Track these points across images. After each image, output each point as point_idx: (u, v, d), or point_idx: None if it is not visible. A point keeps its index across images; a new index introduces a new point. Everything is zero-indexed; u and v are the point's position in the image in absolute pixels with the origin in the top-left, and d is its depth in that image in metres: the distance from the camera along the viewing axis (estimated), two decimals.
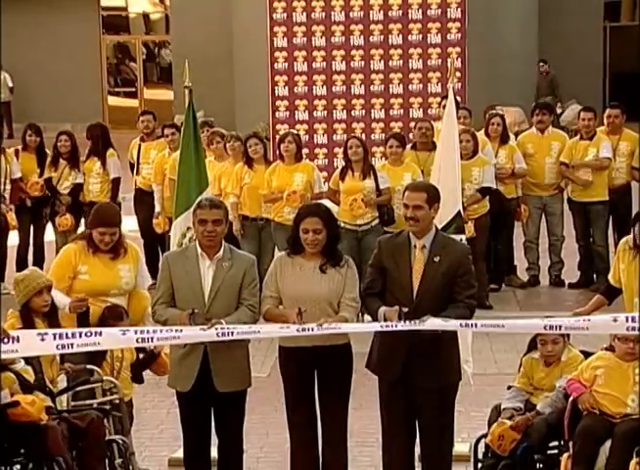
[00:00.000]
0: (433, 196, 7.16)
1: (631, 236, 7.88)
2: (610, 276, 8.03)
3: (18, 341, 7.01)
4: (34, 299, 7.64)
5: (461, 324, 6.89)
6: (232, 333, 6.87)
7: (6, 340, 6.95)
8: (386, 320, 6.88)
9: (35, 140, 14.13)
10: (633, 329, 6.88)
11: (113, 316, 7.77)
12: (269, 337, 7.14)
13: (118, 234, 7.97)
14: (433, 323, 6.78)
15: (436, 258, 7.03)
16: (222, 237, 7.27)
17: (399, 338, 6.99)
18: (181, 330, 6.92)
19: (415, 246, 7.10)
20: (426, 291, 7.00)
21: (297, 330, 6.83)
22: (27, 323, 7.51)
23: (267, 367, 8.98)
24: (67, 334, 7.05)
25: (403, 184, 12.07)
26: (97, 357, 7.71)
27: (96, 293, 7.86)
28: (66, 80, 30.71)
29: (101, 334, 7.05)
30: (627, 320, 6.92)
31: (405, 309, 6.82)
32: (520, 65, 27.25)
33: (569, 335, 7.82)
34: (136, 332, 7.10)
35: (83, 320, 7.74)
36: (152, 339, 7.05)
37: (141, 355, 7.86)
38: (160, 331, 7.03)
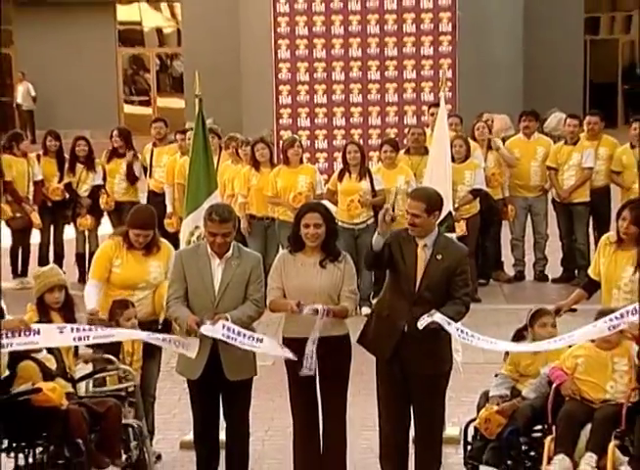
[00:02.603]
0: (432, 205, 7.14)
1: (613, 232, 7.88)
2: (590, 270, 8.03)
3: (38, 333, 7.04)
4: (46, 295, 7.65)
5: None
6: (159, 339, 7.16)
7: (27, 332, 6.96)
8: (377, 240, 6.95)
9: (55, 145, 14.16)
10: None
11: (119, 306, 7.78)
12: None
13: (152, 235, 8.01)
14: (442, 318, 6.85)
15: (439, 256, 7.05)
16: (231, 242, 7.26)
17: (396, 320, 7.03)
18: (116, 328, 7.05)
19: (418, 244, 7.12)
20: (427, 284, 7.02)
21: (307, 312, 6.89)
22: (43, 316, 7.53)
23: (272, 357, 8.98)
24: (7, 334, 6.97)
25: (397, 186, 12.19)
26: (113, 349, 7.73)
27: (125, 285, 7.93)
28: (84, 90, 30.70)
29: (39, 332, 7.00)
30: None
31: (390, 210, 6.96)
32: (506, 75, 27.29)
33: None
34: (72, 330, 7.08)
35: None
36: (88, 337, 7.04)
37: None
38: (97, 329, 7.09)
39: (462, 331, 7.05)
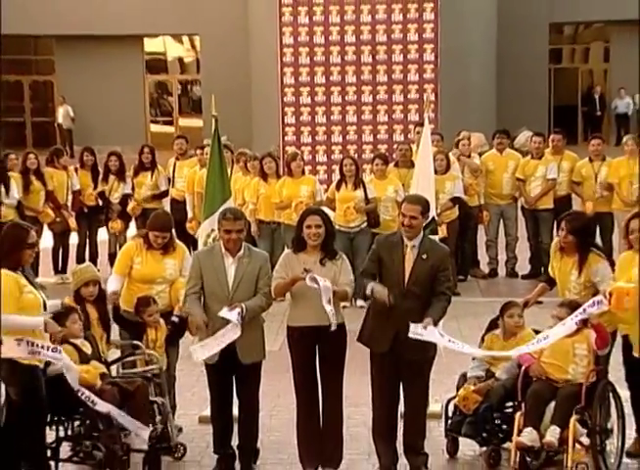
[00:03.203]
0: (426, 208, 7.18)
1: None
2: (549, 270, 8.01)
3: None
4: (82, 288, 7.67)
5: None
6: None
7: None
8: (373, 294, 6.91)
9: (90, 160, 14.19)
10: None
11: (142, 304, 7.80)
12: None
13: (169, 236, 8.05)
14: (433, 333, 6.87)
15: (424, 256, 7.02)
16: (243, 240, 7.27)
17: (389, 317, 6.99)
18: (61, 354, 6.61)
19: (407, 245, 7.09)
20: (415, 280, 6.98)
21: (309, 279, 6.84)
22: (80, 307, 7.56)
23: (278, 343, 8.97)
24: None
25: (387, 195, 12.20)
26: (138, 338, 7.73)
27: (145, 279, 7.96)
28: (116, 111, 30.72)
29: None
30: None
31: (391, 299, 6.85)
32: (481, 98, 27.29)
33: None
34: (28, 344, 6.53)
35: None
36: (39, 353, 6.56)
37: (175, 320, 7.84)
38: (47, 349, 6.58)
39: (453, 342, 7.03)
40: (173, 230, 8.33)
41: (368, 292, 6.99)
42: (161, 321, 7.84)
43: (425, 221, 7.23)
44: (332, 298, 6.90)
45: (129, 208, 13.90)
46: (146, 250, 8.00)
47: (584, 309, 6.96)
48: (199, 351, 7.11)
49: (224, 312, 6.93)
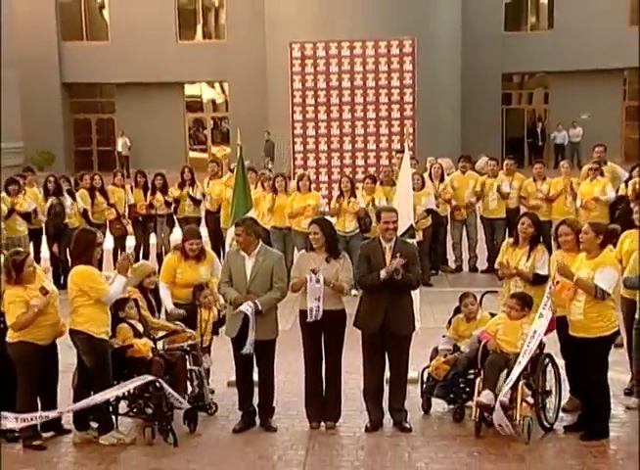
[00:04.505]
0: (397, 215, 7.21)
1: (511, 239, 7.79)
2: (497, 262, 7.91)
3: None
4: (145, 279, 7.64)
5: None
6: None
7: None
8: (387, 272, 6.87)
9: (142, 180, 14.18)
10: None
11: (197, 289, 7.74)
12: None
13: (201, 244, 7.98)
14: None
15: (398, 254, 6.99)
16: (249, 242, 7.16)
17: (378, 303, 6.97)
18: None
19: (385, 247, 7.08)
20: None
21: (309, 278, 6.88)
22: (144, 297, 7.58)
23: (290, 323, 8.93)
24: None
25: (376, 205, 12.16)
26: (191, 318, 7.67)
27: (186, 284, 7.83)
28: (162, 142, 30.78)
29: None
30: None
31: (403, 260, 6.87)
32: (449, 131, 27.37)
33: (481, 303, 7.82)
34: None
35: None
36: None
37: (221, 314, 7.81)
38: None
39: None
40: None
41: (382, 275, 6.89)
42: (213, 308, 7.78)
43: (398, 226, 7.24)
44: (321, 297, 6.87)
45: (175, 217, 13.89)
46: (184, 261, 7.90)
47: (547, 297, 6.87)
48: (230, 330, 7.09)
49: (242, 307, 6.92)
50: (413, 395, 7.53)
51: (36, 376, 6.79)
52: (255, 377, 7.39)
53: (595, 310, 6.72)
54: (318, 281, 6.90)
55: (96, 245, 6.89)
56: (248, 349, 6.98)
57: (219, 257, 12.30)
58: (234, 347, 7.22)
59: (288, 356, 8.03)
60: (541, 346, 7.02)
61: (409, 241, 7.65)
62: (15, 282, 6.73)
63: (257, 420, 7.30)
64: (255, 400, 7.34)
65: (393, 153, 14.27)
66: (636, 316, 7.33)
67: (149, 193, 13.97)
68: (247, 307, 6.93)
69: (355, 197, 12.31)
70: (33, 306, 6.65)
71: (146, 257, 13.76)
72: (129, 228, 13.92)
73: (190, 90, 33.10)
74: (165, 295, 7.83)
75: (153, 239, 14.25)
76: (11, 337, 6.76)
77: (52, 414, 6.85)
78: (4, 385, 6.91)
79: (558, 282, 6.83)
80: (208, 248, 8.48)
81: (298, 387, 7.44)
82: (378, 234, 7.24)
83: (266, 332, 7.09)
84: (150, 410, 6.89)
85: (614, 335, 6.87)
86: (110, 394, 6.79)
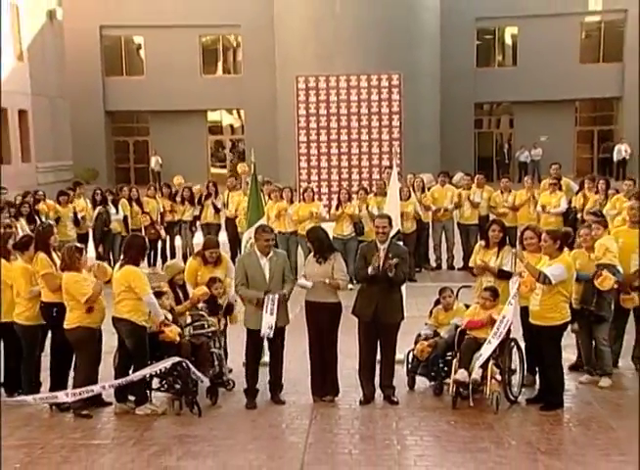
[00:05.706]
0: (389, 221, 7.19)
1: (483, 242, 7.77)
2: (469, 262, 7.90)
3: None
4: (176, 276, 7.62)
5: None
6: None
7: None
8: (373, 269, 6.86)
9: (167, 191, 14.19)
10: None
11: (211, 281, 7.70)
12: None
13: (219, 252, 7.95)
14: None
15: (390, 254, 6.98)
16: (273, 246, 7.21)
17: (372, 295, 6.94)
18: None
19: (380, 248, 7.06)
20: (385, 269, 6.91)
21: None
22: (173, 290, 7.55)
23: (292, 313, 8.89)
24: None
25: (370, 212, 12.13)
26: (215, 308, 7.62)
27: (205, 284, 7.71)
28: (188, 160, 30.70)
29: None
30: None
31: (396, 261, 6.85)
32: (430, 151, 27.34)
33: (457, 295, 7.78)
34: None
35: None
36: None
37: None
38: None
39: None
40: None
41: (370, 271, 6.88)
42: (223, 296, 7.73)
43: (391, 229, 7.20)
44: (274, 309, 6.81)
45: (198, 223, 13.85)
46: (203, 266, 7.88)
47: (514, 289, 6.86)
48: (250, 321, 7.04)
49: (268, 299, 6.88)
50: (400, 373, 7.50)
51: (93, 355, 6.80)
52: (265, 359, 7.35)
53: (550, 303, 6.72)
54: (273, 301, 6.84)
55: (145, 249, 6.93)
56: (269, 333, 6.91)
57: (237, 256, 12.38)
58: (248, 333, 7.18)
59: (294, 340, 8.00)
60: (508, 332, 7.01)
61: (400, 244, 7.65)
62: (74, 268, 6.76)
63: (268, 394, 7.25)
64: (261, 381, 7.27)
65: (384, 169, 14.26)
66: (575, 306, 7.24)
67: (178, 201, 13.93)
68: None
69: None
70: (96, 285, 6.74)
71: (173, 257, 13.71)
72: (163, 233, 13.90)
73: (212, 116, 33.08)
74: (190, 289, 7.77)
75: (177, 241, 14.21)
76: (69, 323, 6.77)
77: (97, 388, 6.84)
78: (60, 367, 6.92)
79: (520, 274, 6.83)
80: (224, 253, 8.40)
81: (303, 367, 7.42)
82: (375, 238, 7.22)
83: (282, 319, 7.07)
84: (178, 386, 6.88)
85: (565, 325, 6.85)
86: (145, 372, 6.79)
